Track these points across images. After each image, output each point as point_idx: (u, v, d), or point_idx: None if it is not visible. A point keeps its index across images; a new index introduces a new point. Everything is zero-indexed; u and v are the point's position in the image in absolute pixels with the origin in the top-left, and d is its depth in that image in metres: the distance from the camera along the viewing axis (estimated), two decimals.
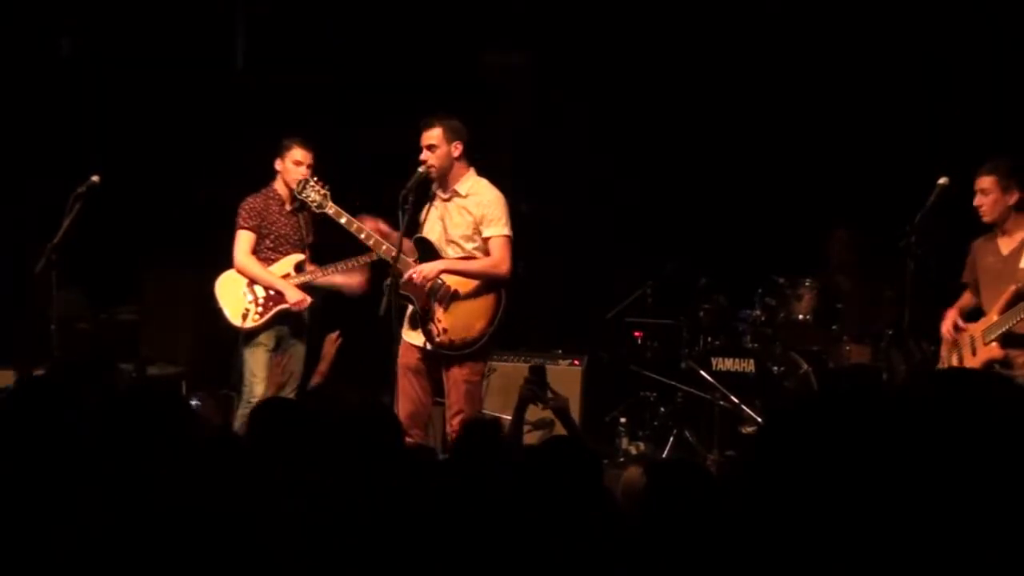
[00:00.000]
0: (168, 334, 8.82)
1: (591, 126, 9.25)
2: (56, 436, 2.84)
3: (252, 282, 7.18)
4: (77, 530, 2.65)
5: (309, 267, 7.30)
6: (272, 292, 7.17)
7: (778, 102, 8.96)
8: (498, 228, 6.48)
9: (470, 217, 6.50)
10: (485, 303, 6.50)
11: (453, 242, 6.54)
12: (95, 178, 6.93)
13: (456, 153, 6.49)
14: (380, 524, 2.90)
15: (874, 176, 8.55)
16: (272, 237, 7.26)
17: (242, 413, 7.07)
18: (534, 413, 6.38)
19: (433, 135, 6.49)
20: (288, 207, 7.28)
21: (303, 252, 7.33)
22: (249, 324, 7.13)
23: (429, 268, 6.45)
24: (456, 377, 6.53)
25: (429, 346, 6.51)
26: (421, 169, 6.48)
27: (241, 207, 7.21)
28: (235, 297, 7.19)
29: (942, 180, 6.33)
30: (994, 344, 6.14)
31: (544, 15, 9.35)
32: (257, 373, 7.15)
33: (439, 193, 6.58)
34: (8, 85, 9.26)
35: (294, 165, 7.17)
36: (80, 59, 9.66)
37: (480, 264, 6.50)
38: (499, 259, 6.45)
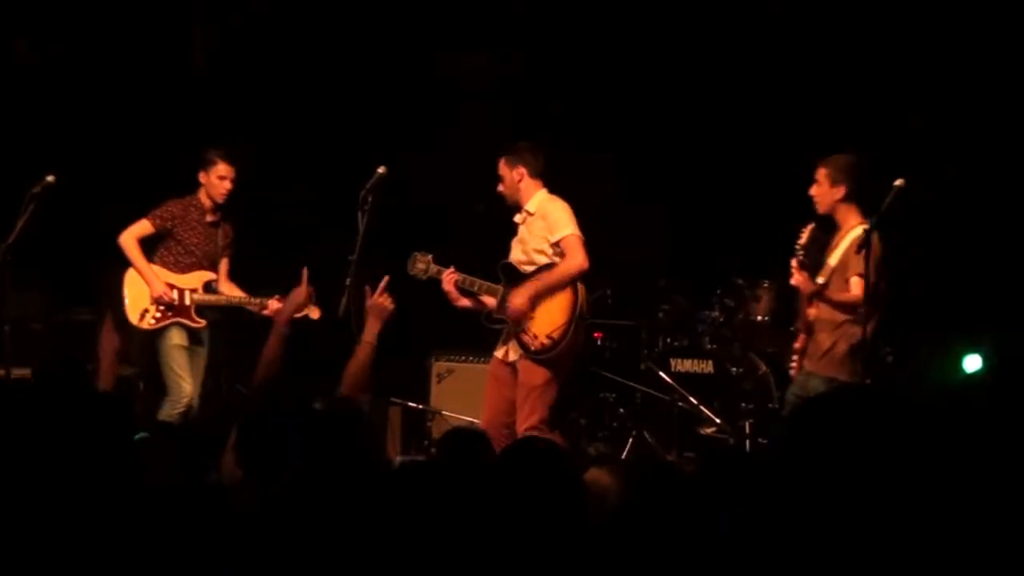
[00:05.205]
0: (123, 334, 8.75)
1: (553, 125, 9.25)
2: (33, 436, 2.82)
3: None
4: (58, 529, 2.63)
5: (223, 286, 7.44)
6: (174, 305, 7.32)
7: (739, 101, 9.01)
8: (565, 229, 6.71)
9: (540, 232, 6.77)
10: (564, 299, 6.70)
11: (532, 261, 6.81)
12: (50, 178, 6.89)
13: (518, 177, 6.83)
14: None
15: None
16: (183, 246, 7.34)
17: (171, 413, 7.14)
18: None
19: (499, 167, 6.87)
20: (208, 219, 7.42)
21: (213, 269, 7.44)
22: (144, 325, 7.34)
23: (519, 303, 6.68)
24: (529, 383, 6.70)
25: (524, 356, 6.71)
26: (381, 170, 6.54)
27: (160, 205, 7.38)
28: (141, 294, 7.35)
29: (898, 182, 6.36)
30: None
31: (507, 15, 9.37)
32: (181, 372, 7.31)
33: (515, 218, 6.91)
34: None
35: (218, 179, 7.34)
36: (35, 59, 9.58)
37: (559, 271, 6.72)
38: (571, 257, 6.66)
